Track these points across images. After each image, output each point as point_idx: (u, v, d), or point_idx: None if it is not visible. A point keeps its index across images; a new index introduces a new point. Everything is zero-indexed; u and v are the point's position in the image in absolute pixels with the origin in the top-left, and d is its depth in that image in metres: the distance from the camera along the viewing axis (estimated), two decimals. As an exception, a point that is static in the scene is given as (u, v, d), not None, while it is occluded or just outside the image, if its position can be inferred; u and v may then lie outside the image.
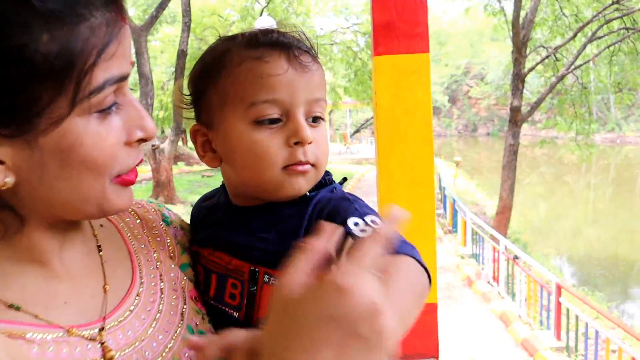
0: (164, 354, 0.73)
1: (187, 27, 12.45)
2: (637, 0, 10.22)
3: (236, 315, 0.85)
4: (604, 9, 10.88)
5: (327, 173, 0.91)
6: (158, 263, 0.83)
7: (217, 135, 0.87)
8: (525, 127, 11.77)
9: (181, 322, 0.78)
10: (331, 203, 0.84)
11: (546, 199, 24.79)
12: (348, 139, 31.06)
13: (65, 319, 0.66)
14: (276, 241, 0.83)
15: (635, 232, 18.08)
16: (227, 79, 0.84)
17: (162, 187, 12.72)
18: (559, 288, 6.21)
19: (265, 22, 9.42)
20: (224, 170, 0.91)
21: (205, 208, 1.00)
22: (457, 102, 54.05)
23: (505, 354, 6.10)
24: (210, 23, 20.15)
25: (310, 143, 0.82)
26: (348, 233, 0.73)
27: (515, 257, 7.50)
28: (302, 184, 0.84)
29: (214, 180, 18.21)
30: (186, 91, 0.93)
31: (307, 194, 0.86)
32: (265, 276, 0.83)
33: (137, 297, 0.76)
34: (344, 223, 0.74)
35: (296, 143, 0.82)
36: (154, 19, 12.48)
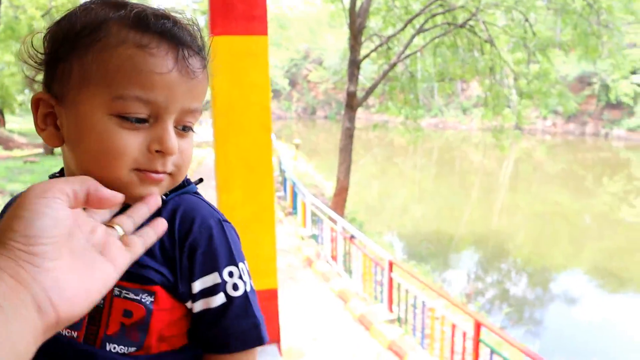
0: None
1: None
2: (458, -2, 11.22)
3: (75, 335, 0.73)
4: (430, 4, 11.73)
5: None
6: None
7: (66, 112, 0.72)
8: (360, 111, 12.30)
9: None
10: (198, 223, 0.77)
11: (378, 179, 26.49)
12: (188, 121, 30.14)
13: None
14: None
15: (454, 208, 20.10)
16: (99, 56, 0.69)
17: (-28, 172, 11.13)
18: (390, 264, 6.62)
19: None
20: (65, 153, 0.76)
21: None
22: (296, 85, 55.32)
23: (344, 330, 6.36)
24: (28, -12, 18.08)
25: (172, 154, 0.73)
26: (217, 286, 0.77)
27: (352, 237, 7.83)
28: (153, 192, 0.74)
29: (39, 166, 16.40)
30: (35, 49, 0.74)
31: (164, 197, 0.78)
32: (116, 289, 0.73)
33: None
34: (216, 268, 0.77)
35: (158, 151, 0.71)
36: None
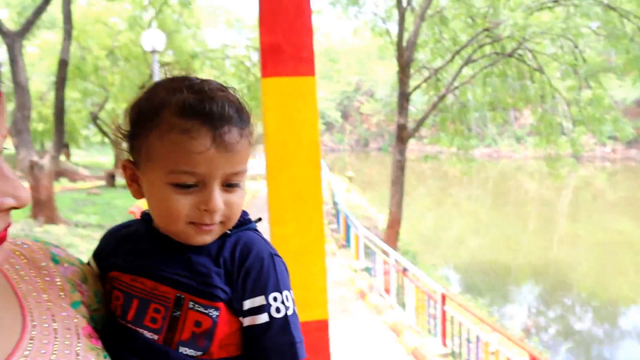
0: None
1: (68, 35, 11.74)
2: (504, 28, 11.14)
3: (156, 338, 0.91)
4: (477, 35, 11.75)
5: (245, 213, 1.00)
6: (49, 304, 0.84)
7: (141, 177, 0.94)
8: (412, 142, 12.43)
9: None
10: (253, 255, 0.94)
11: (433, 211, 26.18)
12: (243, 155, 30.81)
13: None
14: (200, 272, 0.92)
15: (511, 239, 19.60)
16: (156, 140, 0.89)
17: (42, 206, 11.77)
18: (443, 297, 6.56)
19: (153, 36, 9.13)
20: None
21: (123, 236, 1.03)
22: (349, 117, 55.68)
23: (397, 364, 6.32)
24: (95, 32, 19.18)
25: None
26: (263, 307, 0.92)
27: (405, 270, 7.81)
28: (207, 239, 0.92)
29: (101, 198, 17.20)
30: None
31: (228, 231, 0.95)
32: (190, 302, 0.91)
33: (30, 342, 0.76)
34: (264, 292, 0.93)
35: (205, 210, 0.89)
36: (30, 24, 11.60)
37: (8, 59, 11.30)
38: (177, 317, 0.91)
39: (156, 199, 0.92)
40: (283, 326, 0.93)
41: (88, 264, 1.03)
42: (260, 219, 1.04)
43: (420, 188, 32.15)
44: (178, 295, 0.91)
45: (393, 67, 15.68)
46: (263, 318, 0.92)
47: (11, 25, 14.12)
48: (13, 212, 0.70)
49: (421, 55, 13.89)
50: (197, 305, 0.90)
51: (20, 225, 11.39)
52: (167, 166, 0.88)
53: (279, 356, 0.92)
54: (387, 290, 8.50)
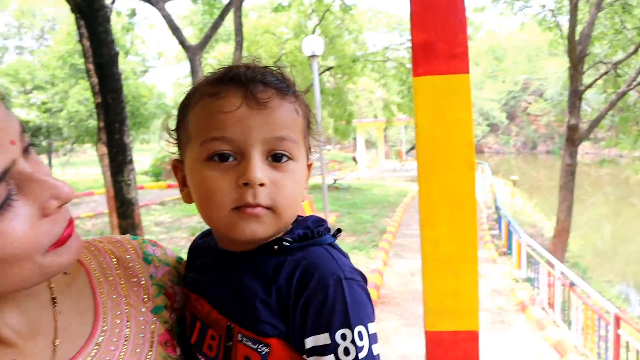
0: None
1: (239, 45, 12.69)
2: None
3: None
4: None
5: (321, 222, 0.84)
6: (127, 308, 0.81)
7: (185, 170, 0.84)
8: (587, 145, 11.33)
9: None
10: (315, 281, 0.76)
11: (610, 221, 23.66)
12: (403, 156, 30.74)
13: None
14: (247, 302, 0.78)
15: None
16: (190, 117, 0.82)
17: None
18: (617, 319, 5.82)
19: (312, 42, 9.46)
20: None
21: (198, 248, 0.93)
22: (515, 118, 52.63)
23: (559, 387, 5.77)
24: (264, 41, 20.53)
25: (262, 185, 0.76)
26: (327, 347, 0.73)
27: (572, 284, 7.12)
28: (256, 228, 0.77)
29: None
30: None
31: (287, 243, 0.79)
32: (239, 334, 0.79)
33: (95, 347, 0.74)
34: (328, 328, 0.74)
35: (245, 184, 0.75)
36: (207, 38, 12.75)
37: (190, 70, 12.54)
38: (230, 347, 0.79)
39: (196, 185, 0.79)
40: None
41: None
42: (339, 230, 0.85)
43: (595, 195, 29.20)
44: (229, 324, 0.79)
45: (565, 63, 14.43)
46: None
47: (194, 41, 15.64)
48: None
49: (597, 49, 12.58)
50: (245, 339, 0.78)
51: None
52: (199, 138, 0.78)
53: None
54: (551, 305, 7.81)
